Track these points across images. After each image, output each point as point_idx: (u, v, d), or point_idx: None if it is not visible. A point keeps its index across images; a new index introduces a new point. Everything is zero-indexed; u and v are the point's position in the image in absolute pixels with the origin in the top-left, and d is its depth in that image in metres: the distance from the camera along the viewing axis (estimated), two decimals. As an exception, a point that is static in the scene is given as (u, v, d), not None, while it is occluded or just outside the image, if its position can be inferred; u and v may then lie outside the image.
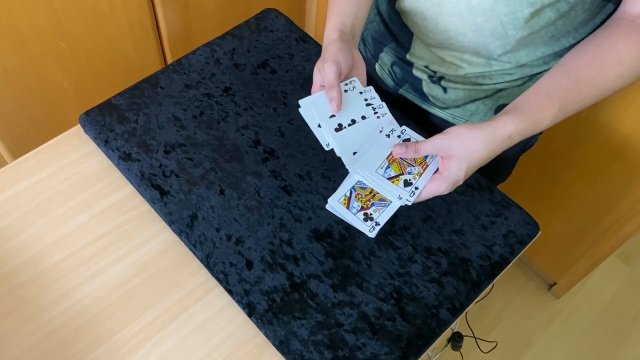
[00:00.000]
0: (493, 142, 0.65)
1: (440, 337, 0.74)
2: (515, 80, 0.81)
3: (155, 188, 0.81)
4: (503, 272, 0.80)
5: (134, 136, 0.86)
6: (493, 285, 0.81)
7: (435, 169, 0.70)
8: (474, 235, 0.81)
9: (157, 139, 0.86)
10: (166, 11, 1.28)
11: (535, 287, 1.70)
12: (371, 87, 0.77)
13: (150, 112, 0.89)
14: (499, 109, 0.86)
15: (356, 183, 0.72)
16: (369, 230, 0.69)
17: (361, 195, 0.71)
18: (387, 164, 0.71)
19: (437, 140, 0.67)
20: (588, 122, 1.23)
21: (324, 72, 0.72)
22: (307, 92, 0.92)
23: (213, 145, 0.86)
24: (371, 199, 0.71)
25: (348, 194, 0.71)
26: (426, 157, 0.71)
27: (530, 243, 0.82)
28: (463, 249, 0.79)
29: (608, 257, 1.43)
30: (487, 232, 0.81)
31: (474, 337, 1.37)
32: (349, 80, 0.76)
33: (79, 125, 0.89)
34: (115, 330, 0.72)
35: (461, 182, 0.67)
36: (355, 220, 0.70)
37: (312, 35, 1.58)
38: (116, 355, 0.71)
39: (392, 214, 0.70)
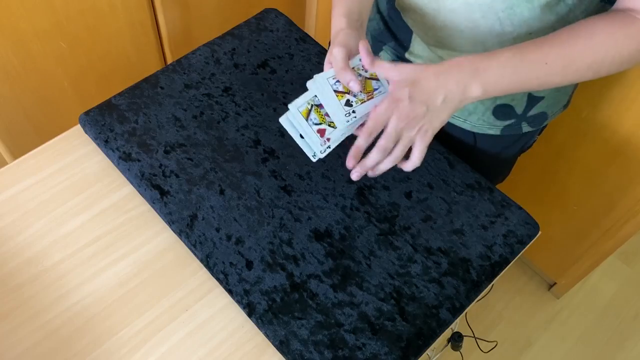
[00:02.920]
0: (442, 66, 0.64)
1: (440, 337, 0.74)
2: None
3: (155, 188, 0.81)
4: (503, 272, 0.80)
5: (134, 136, 0.86)
6: (493, 285, 0.81)
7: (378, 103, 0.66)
8: (474, 235, 0.81)
9: (157, 139, 0.86)
10: (166, 11, 1.28)
11: (535, 287, 1.70)
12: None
13: (150, 112, 0.89)
14: (497, 108, 0.86)
15: (313, 99, 0.70)
16: (321, 152, 0.68)
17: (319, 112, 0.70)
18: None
19: (395, 64, 0.66)
20: (588, 122, 1.23)
21: (332, 56, 0.69)
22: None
23: (213, 145, 0.86)
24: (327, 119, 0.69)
25: (309, 107, 0.69)
26: (375, 89, 0.69)
27: (530, 243, 0.82)
28: (463, 249, 0.79)
29: (608, 257, 1.43)
30: (487, 232, 0.81)
31: (474, 337, 1.37)
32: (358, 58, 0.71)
33: (79, 125, 0.89)
34: (115, 330, 0.72)
35: (405, 102, 0.63)
36: (311, 134, 0.68)
37: (312, 35, 1.58)
38: (116, 355, 0.71)
39: (341, 140, 0.68)
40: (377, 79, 0.70)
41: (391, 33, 0.88)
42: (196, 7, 1.35)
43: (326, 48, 1.06)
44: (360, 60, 0.71)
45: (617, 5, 0.68)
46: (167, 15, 1.29)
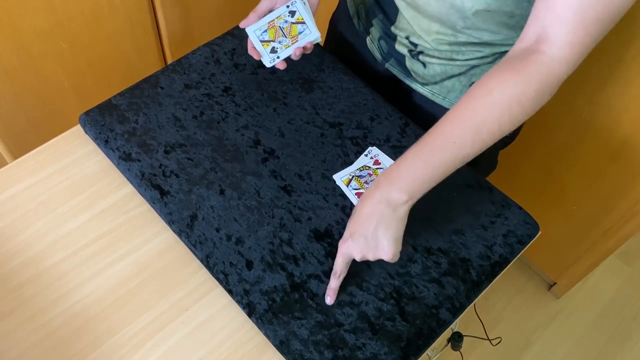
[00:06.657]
0: (366, 193, 0.70)
1: (440, 337, 0.75)
2: (487, 57, 0.83)
3: (155, 188, 0.81)
4: (503, 272, 0.80)
5: (134, 136, 0.86)
6: (492, 285, 0.81)
7: (304, 44, 0.82)
8: (474, 235, 0.81)
9: (157, 139, 0.86)
10: (166, 11, 1.28)
11: (535, 287, 1.70)
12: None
13: (150, 112, 0.89)
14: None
15: (354, 172, 0.84)
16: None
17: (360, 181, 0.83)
18: (266, 27, 0.83)
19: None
20: (588, 122, 1.23)
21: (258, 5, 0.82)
22: (307, 92, 0.93)
23: (213, 145, 0.86)
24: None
25: (350, 177, 0.83)
26: (300, 32, 0.81)
27: (530, 243, 0.82)
28: (463, 249, 0.79)
29: (608, 257, 1.43)
30: (487, 232, 0.81)
31: (485, 335, 1.37)
32: (290, 2, 0.82)
33: (79, 125, 0.89)
34: (115, 330, 0.72)
35: (349, 241, 0.70)
36: (351, 195, 0.82)
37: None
38: (116, 355, 0.71)
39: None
40: (302, 23, 0.81)
41: (380, 7, 0.91)
42: (196, 7, 1.35)
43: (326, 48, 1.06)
44: (287, 7, 0.82)
45: (526, 29, 0.66)
46: (167, 15, 1.29)
